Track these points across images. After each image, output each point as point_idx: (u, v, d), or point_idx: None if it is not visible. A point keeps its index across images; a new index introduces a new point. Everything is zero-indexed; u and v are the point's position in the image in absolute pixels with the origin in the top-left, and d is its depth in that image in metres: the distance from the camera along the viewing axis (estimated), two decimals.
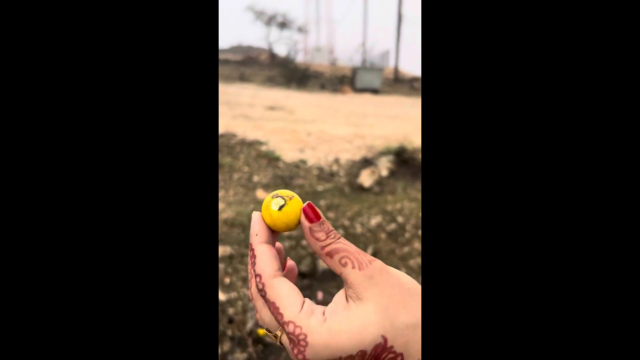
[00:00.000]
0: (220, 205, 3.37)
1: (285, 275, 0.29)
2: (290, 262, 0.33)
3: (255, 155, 4.48)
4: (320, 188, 3.79)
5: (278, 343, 0.28)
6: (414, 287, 0.27)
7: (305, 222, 0.28)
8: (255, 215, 0.30)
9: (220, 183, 3.81)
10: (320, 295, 2.12)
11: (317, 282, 2.29)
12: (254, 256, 0.29)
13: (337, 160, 4.57)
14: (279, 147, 4.78)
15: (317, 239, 0.27)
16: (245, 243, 2.81)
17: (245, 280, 2.31)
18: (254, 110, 7.27)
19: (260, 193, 3.62)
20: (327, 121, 6.75)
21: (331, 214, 3.22)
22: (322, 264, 2.47)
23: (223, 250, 2.70)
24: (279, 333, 0.27)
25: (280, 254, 0.31)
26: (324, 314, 0.26)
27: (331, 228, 0.28)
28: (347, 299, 0.26)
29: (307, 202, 0.29)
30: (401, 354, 0.25)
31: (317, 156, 4.62)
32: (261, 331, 1.72)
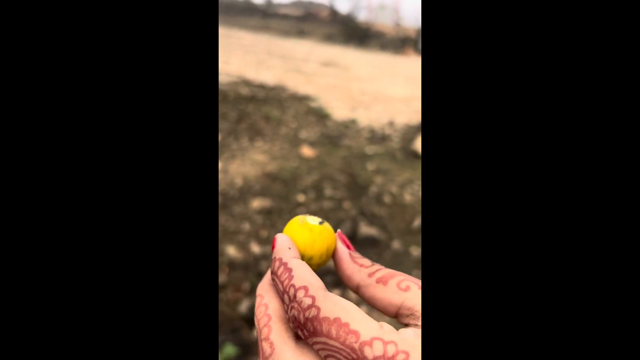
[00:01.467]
0: (265, 159, 3.29)
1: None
2: None
3: (305, 111, 4.31)
4: (369, 151, 3.57)
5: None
6: None
7: (343, 248, 0.24)
8: (282, 234, 0.25)
9: (267, 136, 3.72)
10: None
11: (357, 246, 2.14)
12: (288, 270, 0.22)
13: (391, 123, 4.28)
14: (330, 105, 4.56)
15: (363, 265, 0.23)
16: (285, 198, 2.71)
17: None
18: (307, 65, 7.02)
19: (305, 150, 3.47)
20: (385, 81, 6.35)
21: (379, 179, 3.01)
22: (363, 229, 2.29)
23: (262, 202, 2.63)
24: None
25: None
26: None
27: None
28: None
29: (337, 230, 0.26)
30: None
31: (369, 117, 4.35)
32: None
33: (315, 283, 0.20)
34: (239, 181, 2.86)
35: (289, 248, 0.23)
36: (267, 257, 2.04)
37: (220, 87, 4.17)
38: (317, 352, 0.19)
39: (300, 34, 15.85)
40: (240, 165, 3.11)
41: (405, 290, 0.22)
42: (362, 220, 2.42)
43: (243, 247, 2.30)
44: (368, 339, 0.17)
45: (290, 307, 0.20)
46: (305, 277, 0.21)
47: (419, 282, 0.22)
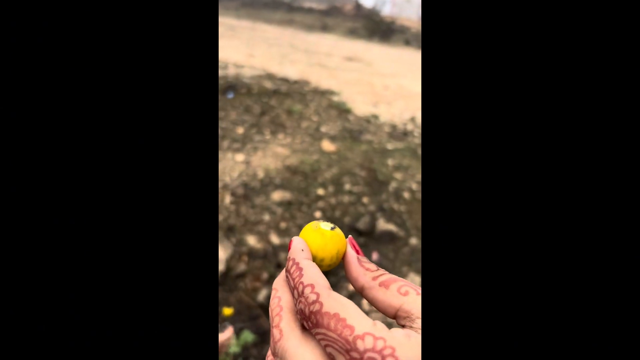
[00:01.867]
0: (285, 152, 3.32)
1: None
2: None
3: (326, 105, 4.31)
4: (390, 146, 3.55)
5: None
6: None
7: (352, 252, 0.27)
8: (297, 237, 0.28)
9: (288, 130, 3.75)
10: (375, 255, 1.98)
11: (374, 241, 2.15)
12: (299, 269, 0.25)
13: (413, 119, 4.23)
14: (352, 99, 4.54)
15: (368, 269, 0.26)
16: (305, 191, 2.74)
17: (300, 228, 2.25)
18: (331, 59, 7.00)
19: (326, 144, 3.49)
20: (407, 77, 6.26)
21: (399, 175, 3.00)
22: (381, 225, 2.30)
23: (282, 195, 2.67)
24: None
25: None
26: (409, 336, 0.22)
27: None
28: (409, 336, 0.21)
29: (349, 236, 0.28)
30: None
31: (391, 112, 4.32)
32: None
33: (321, 282, 0.23)
34: (260, 173, 2.91)
35: (302, 250, 0.26)
36: (286, 249, 2.08)
37: (244, 80, 4.22)
38: (318, 341, 0.21)
39: (324, 28, 15.75)
40: (262, 158, 3.16)
41: (405, 295, 0.24)
42: (381, 215, 2.43)
43: (263, 237, 2.35)
44: (361, 333, 0.20)
45: (298, 301, 0.23)
46: (313, 277, 0.23)
47: (419, 288, 0.24)
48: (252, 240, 2.39)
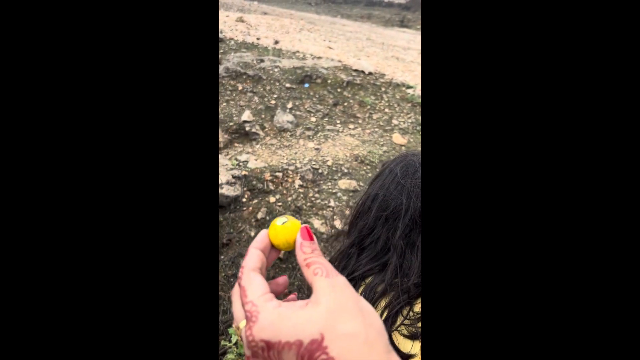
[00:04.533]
0: (354, 142, 3.34)
1: (272, 285, 0.35)
2: (283, 278, 0.38)
3: (400, 98, 4.23)
4: None
5: (239, 337, 0.33)
6: (368, 309, 0.30)
7: (299, 238, 0.33)
8: (263, 231, 0.36)
9: (360, 120, 3.76)
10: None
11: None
12: (246, 254, 0.34)
13: None
14: None
15: (304, 252, 0.32)
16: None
17: None
18: (407, 53, 6.81)
19: (396, 137, 3.43)
20: None
21: None
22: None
23: (349, 183, 2.70)
24: (241, 325, 0.31)
25: (285, 285, 0.37)
26: (280, 306, 0.29)
27: (318, 249, 0.33)
28: (306, 304, 0.30)
29: (305, 225, 0.34)
30: (333, 358, 0.27)
31: None
32: (233, 330, 1.65)
33: (249, 265, 0.33)
34: (329, 161, 2.97)
35: (256, 240, 0.35)
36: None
37: (321, 70, 4.32)
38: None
39: (403, 22, 15.33)
40: (332, 146, 3.22)
41: (315, 275, 0.30)
42: None
43: (327, 222, 2.40)
44: (248, 300, 0.30)
45: (238, 277, 0.33)
46: (247, 260, 0.33)
47: (331, 271, 0.30)
48: (317, 223, 2.46)
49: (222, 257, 2.27)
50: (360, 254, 0.63)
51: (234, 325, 0.33)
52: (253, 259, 0.33)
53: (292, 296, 0.37)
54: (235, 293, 0.33)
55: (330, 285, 0.29)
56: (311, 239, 0.33)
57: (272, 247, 0.36)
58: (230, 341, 1.67)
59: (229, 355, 1.61)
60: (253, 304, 0.29)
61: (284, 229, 0.35)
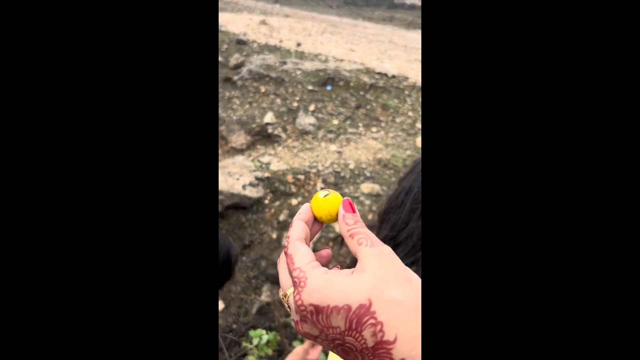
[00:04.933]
0: (377, 145, 3.31)
1: (316, 257, 0.35)
2: (327, 250, 0.38)
3: None
4: None
5: (286, 304, 0.33)
6: (415, 278, 0.30)
7: (341, 210, 0.34)
8: (306, 204, 0.37)
9: (382, 124, 3.72)
10: None
11: None
12: (290, 226, 0.35)
13: None
14: None
15: (347, 224, 0.33)
16: (394, 186, 2.69)
17: None
18: None
19: (420, 141, 3.37)
20: None
21: None
22: None
23: (371, 187, 2.67)
24: (288, 293, 0.32)
25: (328, 257, 0.37)
26: (327, 272, 0.30)
27: (360, 220, 0.33)
28: (352, 272, 0.30)
29: (347, 197, 0.35)
30: (381, 323, 0.27)
31: None
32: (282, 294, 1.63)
33: (294, 235, 0.34)
34: (351, 164, 2.94)
35: (299, 213, 0.37)
36: None
37: (343, 73, 4.30)
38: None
39: None
40: (354, 149, 3.19)
41: (359, 244, 0.31)
42: None
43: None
44: (296, 267, 0.31)
45: (284, 247, 0.35)
46: (292, 231, 0.34)
47: (375, 241, 0.31)
48: (338, 228, 2.44)
49: (245, 258, 2.27)
50: (394, 250, 0.62)
51: (280, 294, 0.35)
52: (298, 229, 0.34)
53: (334, 269, 0.38)
54: (281, 262, 0.35)
55: (375, 253, 0.30)
56: (353, 211, 0.34)
57: (315, 220, 0.36)
58: (251, 343, 1.67)
59: (250, 357, 1.61)
60: (301, 270, 0.30)
61: (326, 201, 0.35)
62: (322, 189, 2.61)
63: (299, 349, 0.89)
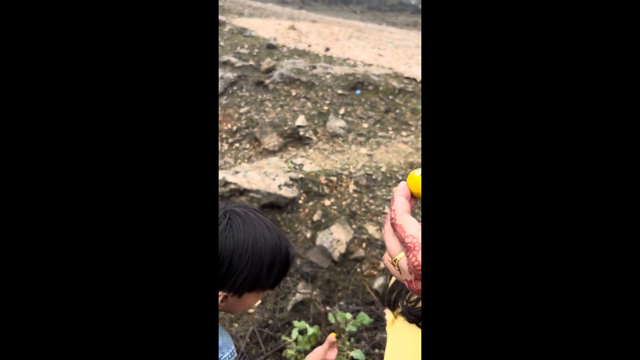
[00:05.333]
0: (408, 149, 3.32)
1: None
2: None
3: None
4: None
5: (396, 268, 0.38)
6: None
7: None
8: (402, 182, 0.41)
9: (412, 128, 3.73)
10: None
11: None
12: (392, 201, 0.39)
13: None
14: None
15: None
16: None
17: None
18: None
19: None
20: None
21: None
22: None
23: None
24: (398, 257, 0.37)
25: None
26: None
27: None
28: None
29: None
30: None
31: None
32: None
33: (400, 208, 0.37)
34: (383, 167, 2.97)
35: (398, 189, 0.40)
36: None
37: (372, 77, 4.34)
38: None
39: None
40: (384, 153, 3.21)
41: None
42: None
43: (382, 228, 2.40)
44: (408, 234, 0.35)
45: (389, 217, 0.38)
46: (397, 205, 0.38)
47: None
48: (371, 229, 2.46)
49: None
50: None
51: (387, 259, 0.39)
52: (402, 203, 0.38)
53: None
54: (387, 232, 0.39)
55: None
56: None
57: (412, 196, 0.40)
58: (290, 337, 1.71)
59: (289, 351, 1.65)
60: (413, 236, 0.35)
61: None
62: (364, 186, 2.64)
63: (319, 349, 0.92)
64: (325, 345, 0.93)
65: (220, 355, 0.69)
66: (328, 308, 1.77)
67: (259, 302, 2.14)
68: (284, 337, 1.79)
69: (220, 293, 0.69)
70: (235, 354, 0.70)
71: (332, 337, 0.91)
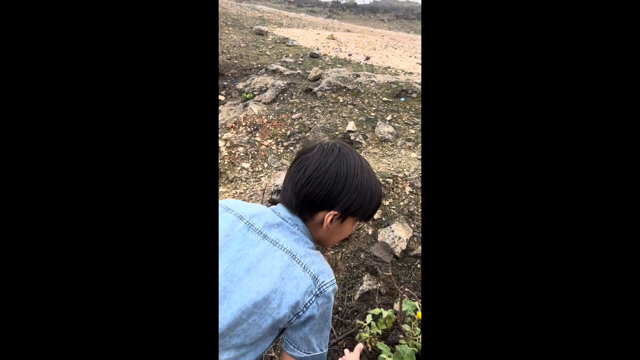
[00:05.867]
0: None
1: None
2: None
3: None
4: None
5: None
6: None
7: None
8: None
9: None
10: None
11: None
12: None
13: None
14: None
15: None
16: None
17: None
18: None
19: None
20: None
21: None
22: None
23: None
24: None
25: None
26: None
27: None
28: None
29: None
30: None
31: None
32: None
33: None
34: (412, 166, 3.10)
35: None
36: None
37: (414, 85, 4.48)
38: None
39: None
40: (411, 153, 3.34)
41: None
42: None
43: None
44: None
45: None
46: None
47: None
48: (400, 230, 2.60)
49: (344, 250, 2.50)
50: None
51: None
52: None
53: None
54: None
55: None
56: None
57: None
58: (365, 321, 1.86)
59: (363, 334, 1.79)
60: None
61: None
62: (420, 188, 2.73)
63: (350, 356, 0.93)
64: (356, 352, 0.94)
65: (322, 279, 0.67)
66: (401, 293, 1.92)
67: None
68: (358, 321, 1.93)
69: (330, 212, 0.71)
70: (335, 285, 0.68)
71: (360, 346, 0.93)
